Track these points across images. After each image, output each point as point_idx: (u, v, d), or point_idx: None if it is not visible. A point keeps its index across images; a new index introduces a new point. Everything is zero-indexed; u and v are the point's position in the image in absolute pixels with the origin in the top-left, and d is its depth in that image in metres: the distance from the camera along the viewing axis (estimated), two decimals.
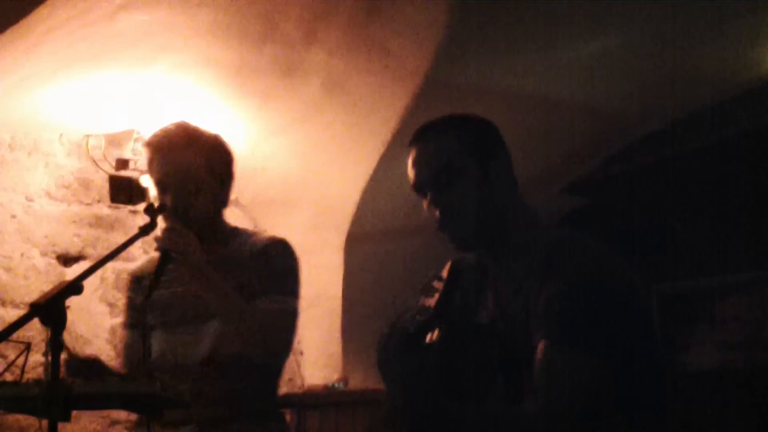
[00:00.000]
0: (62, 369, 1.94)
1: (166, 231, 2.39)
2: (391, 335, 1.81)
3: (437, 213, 1.89)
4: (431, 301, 1.82)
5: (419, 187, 1.93)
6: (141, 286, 2.60)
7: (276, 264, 2.52)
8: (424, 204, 1.94)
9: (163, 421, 2.39)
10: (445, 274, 1.86)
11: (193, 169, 2.49)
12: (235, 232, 2.64)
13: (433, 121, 1.98)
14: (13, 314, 4.09)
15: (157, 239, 2.40)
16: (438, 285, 1.85)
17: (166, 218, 2.45)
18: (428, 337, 1.78)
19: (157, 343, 2.52)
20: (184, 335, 2.48)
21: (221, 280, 2.40)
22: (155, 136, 2.55)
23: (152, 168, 2.53)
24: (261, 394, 2.53)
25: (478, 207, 1.87)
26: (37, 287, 4.18)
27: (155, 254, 2.48)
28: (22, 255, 4.20)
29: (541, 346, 1.72)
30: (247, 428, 2.44)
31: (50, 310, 1.86)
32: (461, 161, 1.89)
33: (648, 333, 1.81)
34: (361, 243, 4.96)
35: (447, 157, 1.89)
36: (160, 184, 2.50)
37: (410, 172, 1.94)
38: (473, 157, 1.89)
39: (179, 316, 2.50)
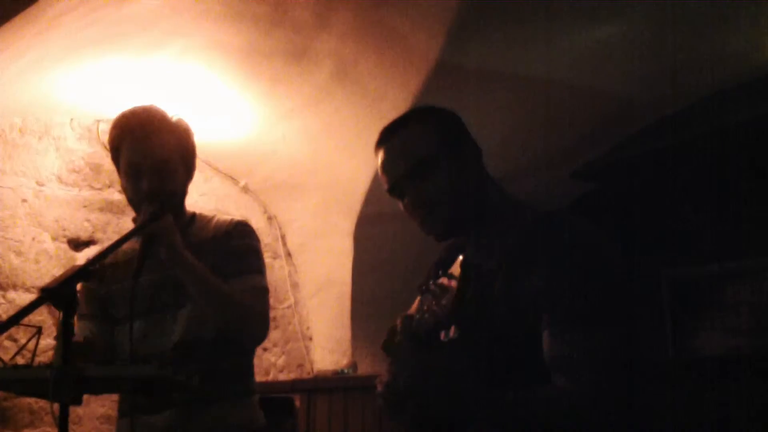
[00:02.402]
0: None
1: (149, 213, 2.37)
2: (402, 331, 1.81)
3: (415, 208, 1.91)
4: (444, 301, 1.80)
5: (394, 187, 1.94)
6: (102, 277, 2.57)
7: (242, 244, 2.54)
8: (401, 205, 1.95)
9: (143, 407, 2.42)
10: (456, 271, 1.84)
11: (167, 150, 2.47)
12: (195, 217, 2.64)
13: (396, 120, 1.98)
14: (24, 298, 4.11)
15: (137, 222, 2.40)
16: (448, 282, 1.83)
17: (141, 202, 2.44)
18: (442, 335, 1.77)
19: (135, 332, 2.47)
20: (161, 322, 2.48)
21: (197, 260, 2.40)
22: (125, 118, 2.50)
23: (123, 150, 2.47)
24: (236, 374, 2.53)
25: (452, 194, 1.88)
26: (48, 271, 4.19)
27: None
28: (32, 239, 4.21)
29: (549, 325, 1.71)
30: (224, 409, 2.45)
31: (61, 294, 1.87)
32: (430, 154, 1.89)
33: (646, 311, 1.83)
34: (370, 227, 4.96)
35: (416, 153, 1.90)
36: (134, 167, 2.45)
37: (382, 175, 1.95)
38: (441, 147, 1.90)
39: (156, 303, 2.49)
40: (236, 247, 2.52)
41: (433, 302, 1.81)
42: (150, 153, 2.44)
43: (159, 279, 2.49)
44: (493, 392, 1.72)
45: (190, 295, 2.43)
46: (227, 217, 2.63)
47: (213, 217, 2.63)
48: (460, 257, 1.92)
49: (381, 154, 1.96)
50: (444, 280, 1.83)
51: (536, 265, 1.75)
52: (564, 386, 1.69)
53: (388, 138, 1.96)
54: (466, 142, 1.95)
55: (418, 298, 1.93)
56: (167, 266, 2.41)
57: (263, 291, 2.53)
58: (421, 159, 1.89)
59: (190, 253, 2.39)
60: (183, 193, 2.58)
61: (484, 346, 1.78)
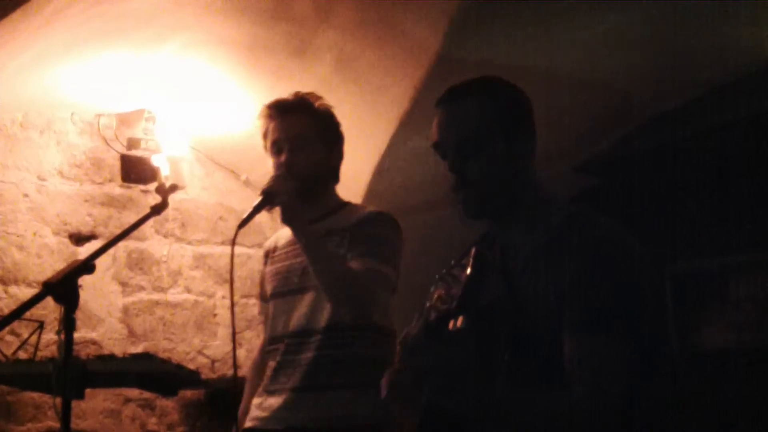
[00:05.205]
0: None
1: (272, 177, 2.56)
2: (415, 326, 1.81)
3: (453, 178, 1.88)
4: (455, 291, 1.79)
5: (437, 147, 1.92)
6: (268, 259, 2.81)
7: (371, 230, 2.63)
8: (444, 165, 1.93)
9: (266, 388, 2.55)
10: (470, 261, 1.83)
11: (302, 126, 2.68)
12: (346, 205, 2.76)
13: (461, 84, 1.96)
14: (25, 293, 4.11)
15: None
16: (460, 272, 1.82)
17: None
18: (451, 324, 1.76)
19: (274, 313, 2.67)
20: (288, 305, 2.62)
21: (320, 235, 2.52)
22: (274, 105, 2.76)
23: (270, 131, 2.71)
24: (357, 364, 2.56)
25: (494, 178, 1.86)
26: (50, 266, 4.19)
27: (284, 229, 2.69)
28: (34, 234, 4.21)
29: (569, 328, 1.70)
30: (341, 399, 2.50)
31: (63, 288, 1.88)
32: (485, 132, 1.87)
33: (663, 316, 1.81)
34: None
35: (471, 127, 1.87)
36: (276, 143, 2.68)
37: (433, 131, 1.93)
38: (497, 127, 1.87)
39: (287, 286, 2.64)
40: (366, 233, 2.61)
41: (443, 291, 1.81)
42: (287, 128, 2.67)
43: (294, 264, 2.65)
44: (495, 392, 1.71)
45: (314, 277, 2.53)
46: (372, 208, 2.75)
47: (363, 207, 2.77)
48: (473, 249, 1.91)
49: (437, 114, 1.94)
50: (458, 271, 1.82)
51: (561, 266, 1.75)
52: (575, 392, 1.67)
53: (446, 101, 1.94)
54: (522, 126, 1.92)
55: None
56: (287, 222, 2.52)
57: (376, 273, 2.56)
58: (468, 137, 1.87)
59: (310, 225, 2.53)
60: (325, 172, 2.72)
61: (500, 340, 1.78)
